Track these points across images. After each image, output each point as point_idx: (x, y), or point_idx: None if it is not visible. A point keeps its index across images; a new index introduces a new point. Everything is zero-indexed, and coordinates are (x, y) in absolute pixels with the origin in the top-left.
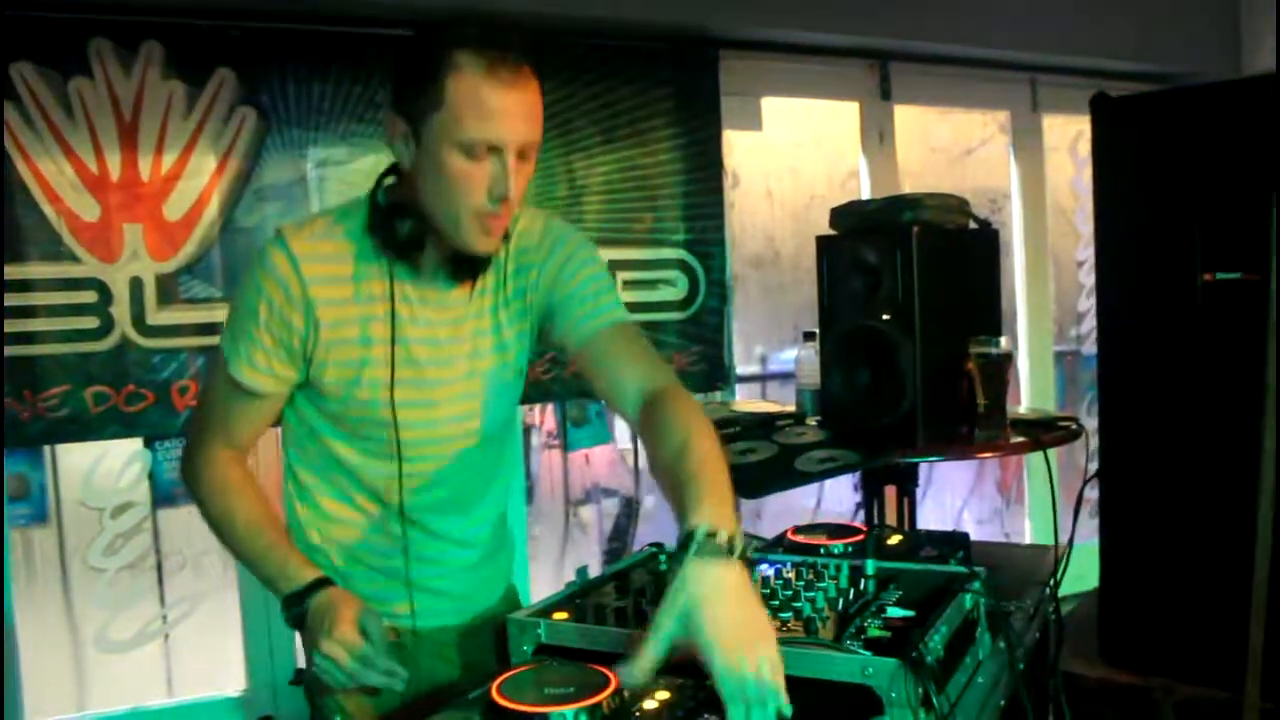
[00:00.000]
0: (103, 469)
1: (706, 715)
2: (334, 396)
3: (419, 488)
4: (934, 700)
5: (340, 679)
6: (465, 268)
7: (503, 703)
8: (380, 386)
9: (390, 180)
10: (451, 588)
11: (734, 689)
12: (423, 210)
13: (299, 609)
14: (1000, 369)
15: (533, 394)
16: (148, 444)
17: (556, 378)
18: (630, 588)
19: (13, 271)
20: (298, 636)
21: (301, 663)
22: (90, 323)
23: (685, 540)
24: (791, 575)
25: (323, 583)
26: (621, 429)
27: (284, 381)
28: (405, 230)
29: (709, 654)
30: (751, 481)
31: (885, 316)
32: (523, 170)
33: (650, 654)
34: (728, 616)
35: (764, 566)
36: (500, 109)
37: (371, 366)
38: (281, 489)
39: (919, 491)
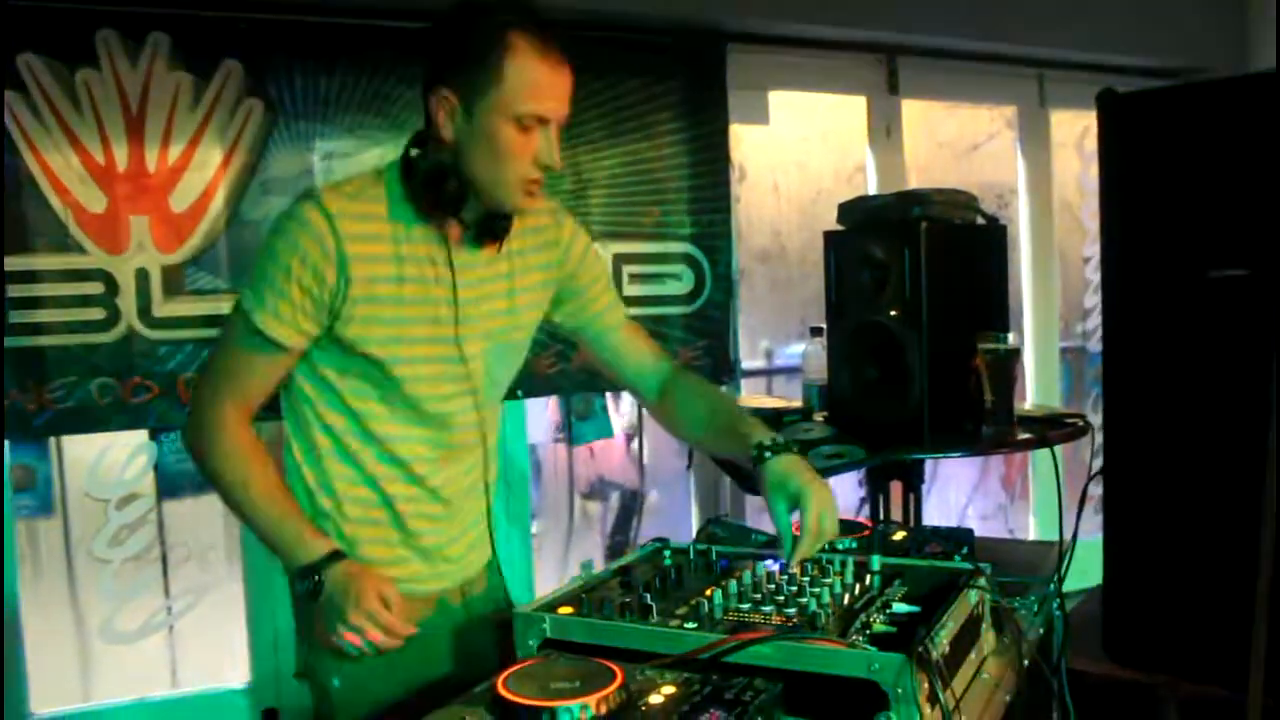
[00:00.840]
0: (108, 460)
1: (711, 709)
2: (360, 354)
3: (430, 443)
4: (939, 695)
5: (368, 647)
6: (489, 232)
7: (509, 696)
8: (424, 342)
9: (415, 151)
10: (450, 548)
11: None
12: (465, 175)
13: (313, 581)
14: (1008, 365)
15: (539, 387)
16: (153, 436)
17: (563, 371)
18: (635, 582)
19: (19, 262)
20: None
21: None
22: (96, 314)
23: (759, 451)
24: (797, 570)
25: (336, 555)
26: (619, 426)
27: (304, 335)
28: (452, 189)
29: (805, 510)
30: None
31: (893, 312)
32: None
33: (789, 534)
34: (814, 482)
35: (769, 563)
36: (551, 87)
37: (414, 322)
38: (283, 453)
39: (923, 487)
